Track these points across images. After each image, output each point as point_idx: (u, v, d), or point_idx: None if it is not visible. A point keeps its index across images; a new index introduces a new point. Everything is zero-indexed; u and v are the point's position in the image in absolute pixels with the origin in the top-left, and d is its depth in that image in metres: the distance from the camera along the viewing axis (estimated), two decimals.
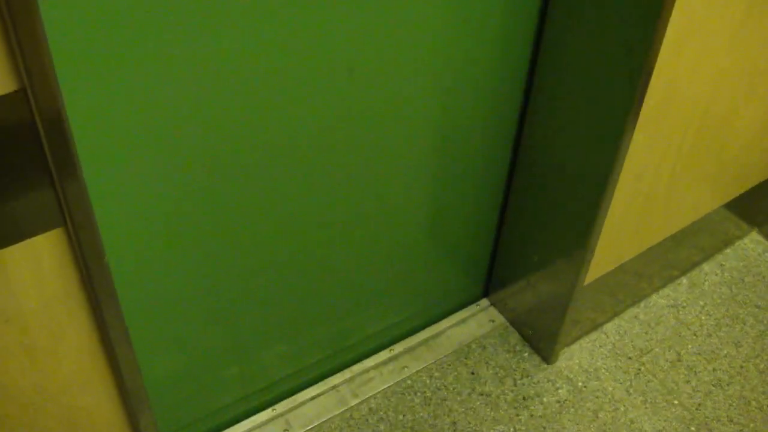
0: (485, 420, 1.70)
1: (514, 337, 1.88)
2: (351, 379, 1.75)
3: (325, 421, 1.67)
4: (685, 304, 2.01)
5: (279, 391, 1.68)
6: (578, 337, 1.89)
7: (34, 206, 0.89)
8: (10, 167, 0.85)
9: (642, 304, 2.00)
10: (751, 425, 1.74)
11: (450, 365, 1.80)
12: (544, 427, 1.70)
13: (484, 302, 1.95)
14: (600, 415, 1.74)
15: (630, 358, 1.86)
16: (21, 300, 0.97)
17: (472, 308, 1.93)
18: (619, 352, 1.88)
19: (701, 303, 2.02)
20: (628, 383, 1.81)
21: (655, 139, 1.52)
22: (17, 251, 0.92)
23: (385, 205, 1.52)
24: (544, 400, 1.76)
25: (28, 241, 0.92)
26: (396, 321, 1.79)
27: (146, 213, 1.18)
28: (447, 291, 1.86)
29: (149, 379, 1.37)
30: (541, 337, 1.82)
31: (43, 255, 0.95)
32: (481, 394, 1.75)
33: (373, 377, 1.76)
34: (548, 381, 1.79)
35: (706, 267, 2.11)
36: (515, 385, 1.78)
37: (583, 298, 1.74)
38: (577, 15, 1.35)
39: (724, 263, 2.13)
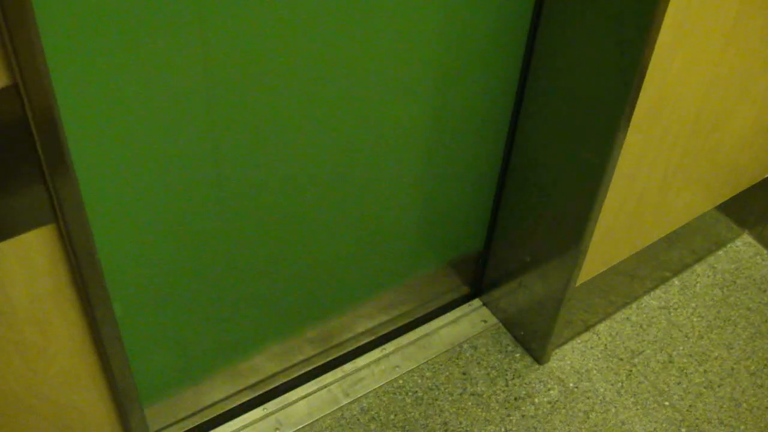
0: (477, 420, 1.71)
1: (506, 338, 1.88)
2: (343, 378, 1.75)
3: (316, 420, 1.67)
4: (676, 306, 2.01)
5: (270, 389, 1.68)
6: (570, 338, 1.89)
7: (26, 202, 0.89)
8: (2, 163, 0.85)
9: (634, 306, 2.00)
10: (742, 427, 1.75)
11: (442, 365, 1.80)
12: (535, 428, 1.70)
13: (477, 302, 1.95)
14: (591, 416, 1.74)
15: (621, 359, 1.87)
16: (11, 297, 0.97)
17: (464, 308, 1.93)
18: (610, 353, 1.88)
19: (693, 305, 2.02)
20: (620, 384, 1.81)
21: (648, 140, 1.52)
22: (8, 248, 0.92)
23: (378, 205, 1.52)
24: (536, 400, 1.76)
25: (18, 237, 0.92)
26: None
27: (138, 209, 1.18)
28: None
29: (140, 377, 1.36)
30: (533, 337, 1.82)
31: (34, 252, 0.95)
32: (473, 395, 1.75)
33: (365, 376, 1.76)
34: (540, 382, 1.80)
35: (697, 269, 2.12)
36: (507, 385, 1.78)
37: (575, 299, 1.74)
38: (570, 15, 1.35)
39: (715, 265, 2.13)
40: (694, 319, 1.98)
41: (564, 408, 1.75)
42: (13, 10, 0.73)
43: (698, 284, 2.08)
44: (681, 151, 1.65)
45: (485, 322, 1.91)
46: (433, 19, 1.29)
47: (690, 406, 1.78)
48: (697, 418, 1.76)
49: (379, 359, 1.79)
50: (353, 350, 1.78)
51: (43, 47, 0.78)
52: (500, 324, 1.90)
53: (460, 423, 1.70)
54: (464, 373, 1.79)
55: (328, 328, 1.68)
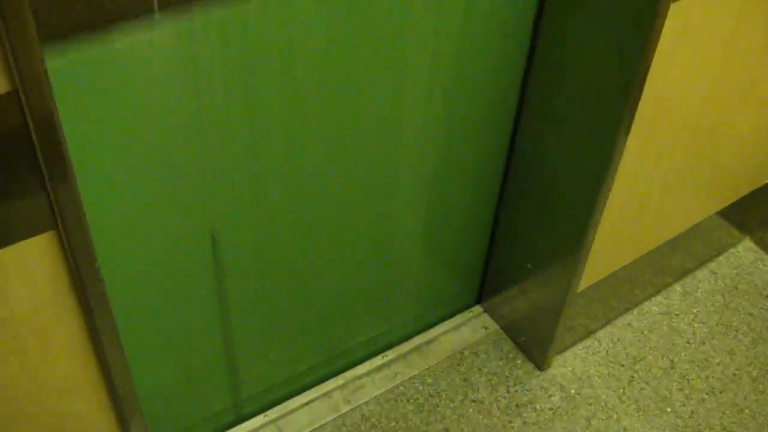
0: (478, 427, 1.70)
1: (507, 344, 1.87)
2: (344, 386, 1.74)
3: (317, 427, 1.67)
4: (678, 312, 2.01)
5: (271, 397, 1.68)
6: (571, 345, 1.89)
7: (25, 209, 0.89)
8: (1, 169, 0.84)
9: (635, 312, 2.00)
10: None
11: (443, 372, 1.80)
12: None
13: (477, 309, 1.94)
14: (593, 423, 1.73)
15: (623, 365, 1.86)
16: (11, 304, 0.97)
17: (465, 315, 1.93)
18: (612, 359, 1.87)
19: (694, 310, 2.02)
20: (621, 391, 1.81)
21: (648, 146, 1.52)
22: (7, 255, 0.91)
23: (380, 212, 1.52)
24: (537, 407, 1.75)
25: (18, 244, 0.91)
26: (389, 327, 1.79)
27: (139, 216, 1.17)
28: (440, 298, 1.86)
29: (140, 385, 1.36)
30: (534, 344, 1.81)
31: (33, 259, 0.94)
32: (474, 401, 1.75)
33: (366, 384, 1.75)
34: (541, 388, 1.79)
35: (699, 274, 2.11)
36: (508, 392, 1.78)
37: (577, 305, 1.74)
38: (570, 21, 1.35)
39: (717, 271, 2.13)
40: (696, 325, 1.98)
41: (566, 414, 1.74)
42: (12, 16, 0.73)
43: (699, 290, 2.07)
44: (682, 157, 1.65)
45: (486, 328, 1.90)
46: (436, 30, 1.30)
47: (692, 412, 1.78)
48: (699, 425, 1.75)
49: (379, 366, 1.79)
50: (354, 358, 1.77)
51: (43, 52, 0.78)
52: (501, 330, 1.90)
53: (462, 430, 1.69)
54: (465, 380, 1.79)
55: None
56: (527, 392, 1.78)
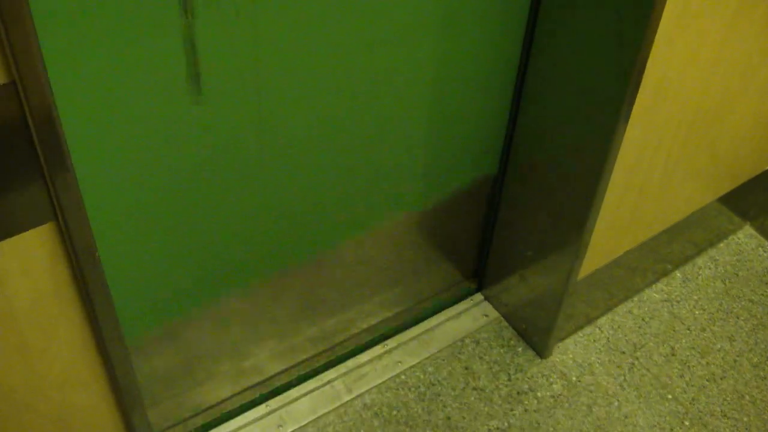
0: (479, 415, 1.70)
1: (508, 332, 1.87)
2: (345, 375, 1.74)
3: (319, 416, 1.67)
4: (678, 299, 2.01)
5: (273, 386, 1.68)
6: (572, 332, 1.89)
7: (24, 201, 0.89)
8: (0, 162, 0.84)
9: (636, 299, 2.00)
10: (745, 419, 1.74)
11: (444, 360, 1.80)
12: (538, 422, 1.70)
13: (478, 297, 1.94)
14: (594, 410, 1.74)
15: (624, 352, 1.86)
16: (11, 297, 0.97)
17: (466, 303, 1.93)
18: (612, 346, 1.88)
19: (695, 297, 2.02)
20: (622, 378, 1.81)
21: (648, 133, 1.52)
22: (7, 247, 0.91)
23: (380, 200, 1.52)
24: (538, 394, 1.76)
25: (18, 236, 0.91)
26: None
27: (138, 207, 1.17)
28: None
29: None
30: (535, 331, 1.82)
31: (33, 251, 0.94)
32: (475, 389, 1.75)
33: (368, 372, 1.76)
34: (542, 376, 1.79)
35: (699, 261, 2.11)
36: (509, 379, 1.78)
37: (577, 292, 1.74)
38: (569, 7, 1.35)
39: (717, 257, 2.13)
40: (696, 312, 1.98)
41: (567, 402, 1.75)
42: (9, 6, 0.73)
43: (700, 277, 2.07)
44: (681, 144, 1.65)
45: (487, 316, 1.91)
46: (435, 15, 1.29)
47: (693, 398, 1.78)
48: (700, 411, 1.75)
49: (381, 355, 1.79)
50: (355, 346, 1.77)
51: (40, 44, 0.77)
52: (502, 318, 1.90)
53: (463, 418, 1.69)
54: (466, 368, 1.79)
55: (330, 325, 1.68)
56: (528, 380, 1.78)
